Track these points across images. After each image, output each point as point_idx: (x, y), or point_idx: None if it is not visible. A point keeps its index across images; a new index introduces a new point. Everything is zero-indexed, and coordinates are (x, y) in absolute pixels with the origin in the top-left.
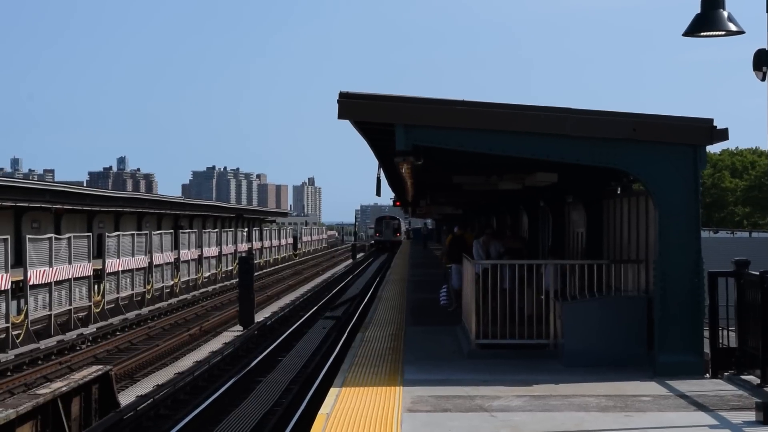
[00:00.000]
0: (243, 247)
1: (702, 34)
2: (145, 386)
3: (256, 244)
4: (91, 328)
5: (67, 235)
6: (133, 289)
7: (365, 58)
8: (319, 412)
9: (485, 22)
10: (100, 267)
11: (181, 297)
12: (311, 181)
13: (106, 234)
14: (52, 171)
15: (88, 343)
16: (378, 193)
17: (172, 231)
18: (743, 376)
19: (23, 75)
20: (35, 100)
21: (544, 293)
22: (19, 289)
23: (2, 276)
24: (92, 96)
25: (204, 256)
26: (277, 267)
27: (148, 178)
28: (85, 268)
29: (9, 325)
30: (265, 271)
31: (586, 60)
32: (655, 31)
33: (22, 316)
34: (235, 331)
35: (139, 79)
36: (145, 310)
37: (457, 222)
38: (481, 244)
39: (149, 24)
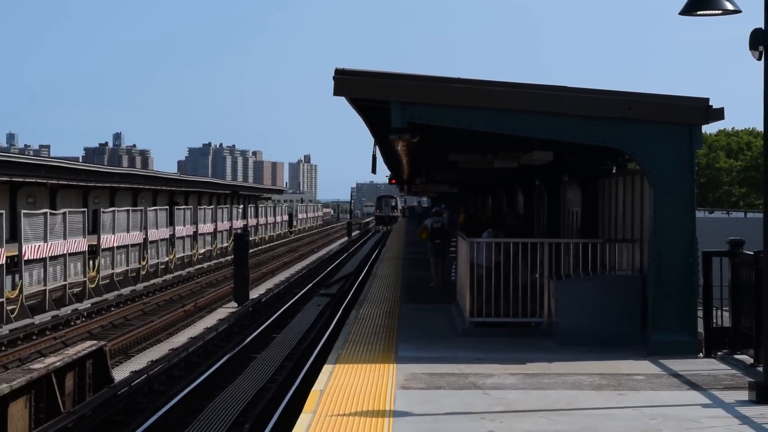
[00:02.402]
0: (238, 223)
1: (699, 12)
2: (139, 362)
3: (252, 221)
4: (86, 304)
5: (63, 211)
6: (128, 265)
7: (370, 36)
8: (313, 388)
9: None
10: (95, 243)
11: (176, 273)
12: (307, 158)
13: (102, 210)
14: (47, 146)
15: (83, 319)
16: (374, 171)
17: (167, 207)
18: (736, 356)
19: (23, 50)
20: (35, 80)
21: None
22: (14, 264)
23: None
24: (89, 72)
25: (199, 232)
26: (272, 244)
27: (144, 155)
28: (80, 243)
29: (3, 300)
30: (260, 248)
31: (596, 39)
32: (662, 9)
33: (16, 291)
34: (229, 308)
35: (138, 55)
36: (139, 286)
37: (452, 200)
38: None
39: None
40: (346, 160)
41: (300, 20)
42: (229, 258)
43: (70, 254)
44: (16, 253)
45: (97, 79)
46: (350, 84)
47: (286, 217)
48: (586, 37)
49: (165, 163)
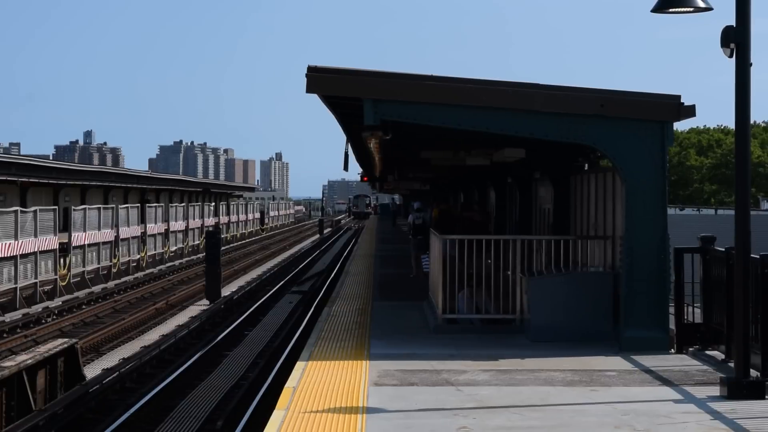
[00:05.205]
0: (210, 221)
1: (670, 10)
2: (111, 359)
3: (223, 219)
4: (57, 302)
5: (33, 209)
6: (99, 263)
7: (346, 35)
8: (286, 385)
9: None
10: (66, 240)
11: (147, 271)
12: (279, 156)
13: (73, 207)
14: (17, 144)
15: (54, 317)
16: (346, 168)
17: (138, 205)
18: (708, 352)
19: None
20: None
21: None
22: None
23: None
24: (59, 70)
25: (171, 230)
26: (244, 241)
27: (115, 152)
28: (51, 241)
29: None
30: (232, 245)
31: (567, 36)
32: (633, 7)
33: None
34: (201, 305)
35: (109, 54)
36: (111, 284)
37: (424, 198)
38: None
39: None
40: (317, 157)
41: (275, 20)
42: (200, 255)
43: (41, 252)
44: None
45: (68, 77)
46: (323, 81)
47: (257, 215)
48: (557, 36)
49: (136, 161)
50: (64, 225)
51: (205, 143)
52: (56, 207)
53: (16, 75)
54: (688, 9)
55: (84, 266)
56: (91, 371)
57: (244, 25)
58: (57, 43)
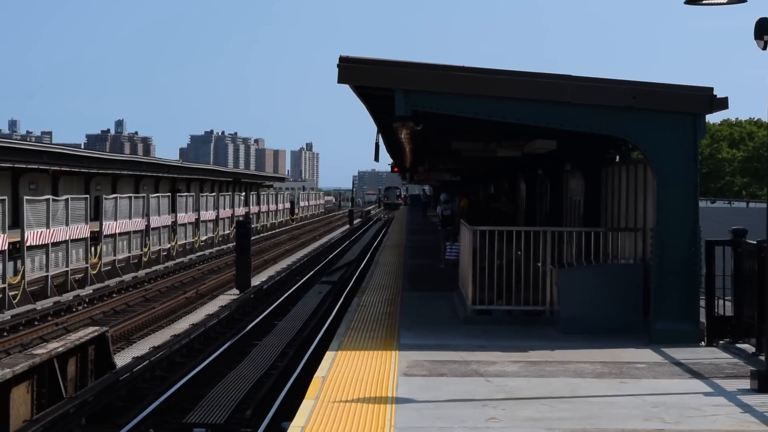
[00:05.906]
0: (240, 211)
1: (704, 2)
2: (141, 348)
3: (254, 209)
4: (88, 290)
5: (65, 197)
6: (130, 252)
7: (374, 24)
8: (315, 374)
9: None
10: (98, 229)
11: (177, 260)
12: (309, 146)
13: (104, 196)
14: (49, 133)
15: (85, 305)
16: (376, 159)
17: (169, 194)
18: (738, 345)
19: (25, 37)
20: (39, 66)
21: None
22: (16, 250)
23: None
24: (91, 59)
25: (201, 219)
26: (274, 231)
27: (146, 142)
28: (82, 229)
29: (6, 285)
30: (262, 235)
31: (600, 27)
32: None
33: (18, 277)
34: (231, 295)
35: (141, 43)
36: (141, 273)
37: (454, 189)
38: None
39: None
40: (348, 148)
41: (303, 8)
42: (230, 245)
43: (73, 240)
44: (19, 239)
45: (99, 66)
46: (354, 72)
47: (287, 205)
48: (591, 26)
49: (167, 150)
50: (96, 214)
51: (235, 133)
52: (87, 196)
53: (48, 64)
54: (722, 1)
55: (115, 255)
56: (122, 359)
57: (269, 13)
58: (87, 31)
